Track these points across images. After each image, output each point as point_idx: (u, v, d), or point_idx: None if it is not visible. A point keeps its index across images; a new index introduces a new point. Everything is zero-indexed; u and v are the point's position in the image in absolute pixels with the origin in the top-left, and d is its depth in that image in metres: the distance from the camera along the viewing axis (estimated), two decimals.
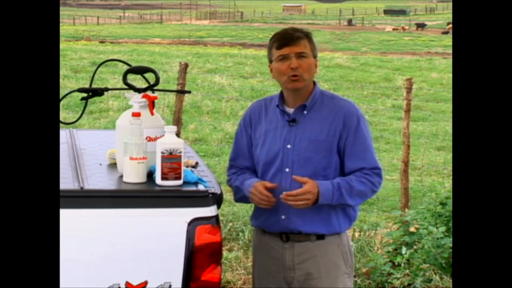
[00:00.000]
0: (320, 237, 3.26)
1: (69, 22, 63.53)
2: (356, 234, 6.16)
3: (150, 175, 2.97)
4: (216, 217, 2.89)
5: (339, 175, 3.24)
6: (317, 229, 3.23)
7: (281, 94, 3.33)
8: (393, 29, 60.05)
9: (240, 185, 3.33)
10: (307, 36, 3.26)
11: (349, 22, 69.90)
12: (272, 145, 3.27)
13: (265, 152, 3.28)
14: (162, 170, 2.89)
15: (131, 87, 3.18)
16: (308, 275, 3.26)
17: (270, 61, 3.29)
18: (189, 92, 3.94)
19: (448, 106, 15.01)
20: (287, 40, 3.21)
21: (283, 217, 3.24)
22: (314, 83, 3.33)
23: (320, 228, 3.24)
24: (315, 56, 3.27)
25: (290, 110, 3.28)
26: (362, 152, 3.23)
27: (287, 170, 3.23)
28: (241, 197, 3.36)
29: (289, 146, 3.23)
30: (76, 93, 3.40)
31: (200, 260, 2.84)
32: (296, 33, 3.24)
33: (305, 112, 3.26)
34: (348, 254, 3.34)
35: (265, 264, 3.35)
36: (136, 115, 2.95)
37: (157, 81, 3.18)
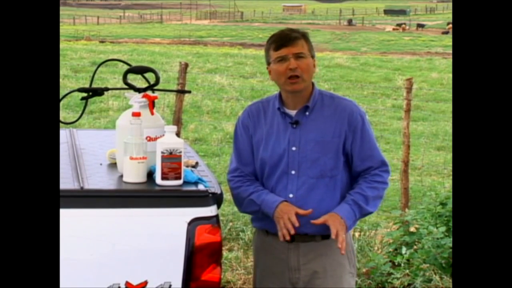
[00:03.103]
0: (325, 236, 3.24)
1: (69, 22, 63.52)
2: (356, 234, 6.15)
3: (150, 175, 2.97)
4: (216, 217, 2.89)
5: (345, 175, 3.25)
6: (322, 230, 3.21)
7: (280, 96, 3.29)
8: (393, 29, 60.08)
9: (257, 199, 3.23)
10: (304, 36, 3.24)
11: (349, 22, 69.89)
12: (275, 148, 3.23)
13: (269, 155, 3.24)
14: (162, 170, 2.89)
15: (131, 87, 3.18)
16: (313, 274, 3.25)
17: (268, 63, 3.25)
18: (189, 92, 3.94)
19: (448, 106, 15.02)
20: (285, 41, 3.18)
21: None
22: (313, 83, 3.31)
23: (326, 230, 3.20)
24: (313, 56, 3.25)
25: (291, 112, 3.25)
26: (369, 151, 3.25)
27: (293, 172, 3.21)
28: (254, 211, 3.28)
29: (294, 148, 3.21)
30: (76, 93, 3.40)
31: (200, 260, 2.84)
32: (293, 33, 3.22)
33: (307, 113, 3.23)
34: (352, 254, 3.34)
35: (268, 265, 3.33)
36: (136, 115, 2.95)
37: (157, 81, 3.17)
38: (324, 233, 3.21)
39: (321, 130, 3.21)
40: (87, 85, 3.34)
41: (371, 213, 3.30)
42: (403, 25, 62.60)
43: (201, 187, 2.91)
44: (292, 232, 3.14)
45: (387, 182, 3.29)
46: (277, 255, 3.29)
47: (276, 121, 3.26)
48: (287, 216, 3.14)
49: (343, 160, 3.24)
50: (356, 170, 3.27)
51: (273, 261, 3.31)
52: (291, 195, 3.21)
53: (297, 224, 3.13)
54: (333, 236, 3.10)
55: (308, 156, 3.20)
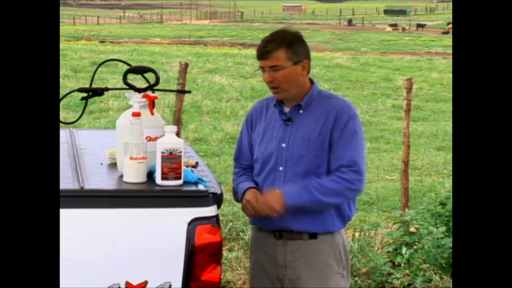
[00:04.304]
0: (313, 236, 3.26)
1: (69, 22, 63.54)
2: (356, 234, 6.16)
3: (150, 175, 2.97)
4: (216, 217, 2.89)
5: None
6: (308, 227, 3.23)
7: None
8: (393, 29, 60.04)
9: (236, 188, 3.39)
10: (284, 44, 3.18)
11: (349, 22, 69.95)
12: (268, 144, 3.29)
13: (262, 150, 3.31)
14: (162, 170, 2.89)
15: (131, 87, 3.18)
16: (299, 274, 3.27)
17: None
18: (189, 92, 3.94)
19: (448, 106, 15.01)
20: (259, 54, 3.22)
21: (275, 215, 3.25)
22: (312, 82, 3.32)
23: (312, 227, 3.23)
24: (297, 62, 3.21)
25: (287, 110, 3.30)
26: (343, 150, 3.19)
27: (280, 168, 3.25)
28: (237, 199, 3.42)
29: (283, 145, 3.25)
30: (76, 93, 3.40)
31: (200, 260, 2.84)
32: (268, 45, 3.19)
33: (300, 111, 3.27)
34: (341, 254, 3.32)
35: (259, 261, 3.38)
36: (136, 115, 2.95)
37: (157, 81, 3.17)
38: (309, 230, 3.23)
39: (311, 128, 3.23)
40: (87, 85, 3.35)
41: (327, 204, 3.18)
42: (403, 26, 62.57)
43: (201, 187, 2.92)
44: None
45: (354, 183, 3.16)
46: (267, 251, 3.33)
47: (274, 118, 3.32)
48: (252, 210, 3.24)
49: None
50: (331, 168, 3.22)
51: (264, 256, 3.35)
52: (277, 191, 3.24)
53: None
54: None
55: (295, 153, 3.23)
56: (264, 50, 3.20)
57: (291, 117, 3.27)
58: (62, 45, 25.11)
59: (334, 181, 3.16)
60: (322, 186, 3.16)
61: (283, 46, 3.19)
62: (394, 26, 62.90)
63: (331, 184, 3.16)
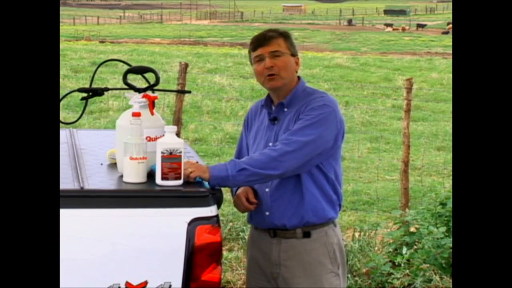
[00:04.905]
0: (306, 234, 3.26)
1: (69, 22, 63.53)
2: (356, 234, 6.16)
3: (150, 175, 2.97)
4: (216, 217, 2.89)
5: (315, 170, 3.22)
6: (298, 217, 3.23)
7: (269, 94, 3.36)
8: (393, 29, 60.04)
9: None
10: (282, 35, 3.29)
11: (349, 22, 69.95)
12: (259, 144, 3.32)
13: (253, 152, 3.32)
14: (162, 170, 2.89)
15: (131, 87, 3.18)
16: (292, 273, 3.28)
17: (252, 64, 3.33)
18: (189, 92, 3.94)
19: (448, 106, 15.01)
20: (260, 40, 3.26)
21: (267, 213, 3.28)
22: (300, 79, 3.34)
23: (302, 216, 3.23)
24: (293, 54, 3.29)
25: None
26: (291, 131, 3.17)
27: None
28: (233, 196, 3.45)
29: (270, 144, 3.26)
30: (76, 93, 3.39)
31: (200, 260, 2.84)
32: (269, 33, 3.29)
33: (285, 109, 3.29)
34: (336, 253, 3.31)
35: (255, 259, 3.40)
36: (136, 115, 2.95)
37: (157, 81, 3.17)
38: (301, 222, 3.23)
39: (289, 123, 3.24)
40: (87, 85, 3.34)
41: (255, 174, 3.06)
42: (403, 26, 62.59)
43: (201, 187, 2.92)
44: (251, 207, 3.27)
45: (276, 150, 3.08)
46: (262, 249, 3.35)
47: (265, 119, 3.35)
48: (242, 206, 3.29)
49: None
50: None
51: (259, 254, 3.37)
52: (267, 190, 3.27)
53: (254, 201, 3.27)
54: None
55: None
56: (267, 36, 3.26)
57: (276, 116, 3.30)
58: (62, 45, 25.11)
59: (261, 153, 3.13)
60: (249, 158, 3.14)
61: (282, 36, 3.29)
62: (390, 25, 62.92)
63: (257, 156, 3.12)
